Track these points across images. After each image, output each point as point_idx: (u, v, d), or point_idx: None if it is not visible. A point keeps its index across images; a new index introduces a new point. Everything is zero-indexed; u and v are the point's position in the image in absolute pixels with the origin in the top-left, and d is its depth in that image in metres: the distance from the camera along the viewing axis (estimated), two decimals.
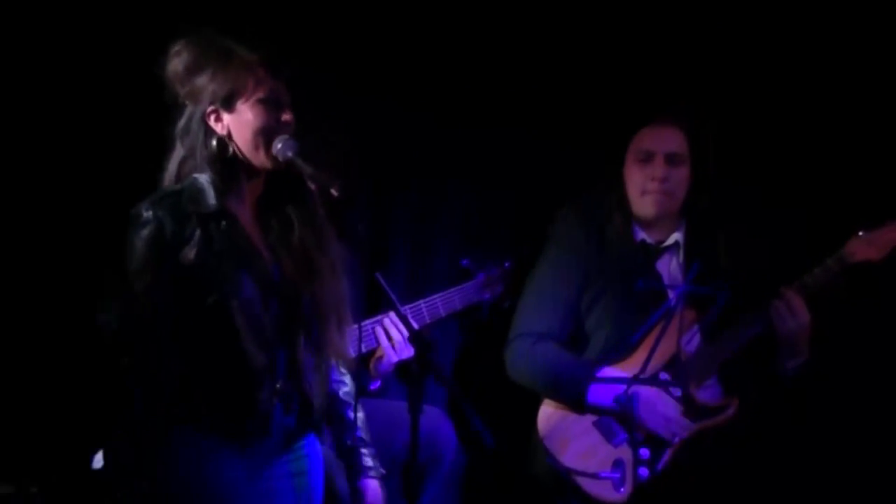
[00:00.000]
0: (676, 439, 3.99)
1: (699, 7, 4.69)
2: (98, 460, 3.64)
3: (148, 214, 3.06)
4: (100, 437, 3.55)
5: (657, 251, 4.19)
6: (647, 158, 4.12)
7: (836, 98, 4.67)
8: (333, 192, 3.08)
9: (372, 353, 4.22)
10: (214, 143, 3.13)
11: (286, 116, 3.14)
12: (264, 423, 3.11)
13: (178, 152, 3.17)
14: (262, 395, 3.10)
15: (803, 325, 4.03)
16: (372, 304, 4.16)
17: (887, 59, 4.63)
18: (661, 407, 3.98)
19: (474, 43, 4.73)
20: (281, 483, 3.20)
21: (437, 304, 4.31)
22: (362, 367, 4.23)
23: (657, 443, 3.99)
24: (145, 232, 3.05)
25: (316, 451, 3.30)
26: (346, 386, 3.53)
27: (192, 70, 3.10)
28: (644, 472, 3.90)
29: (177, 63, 3.11)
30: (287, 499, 3.21)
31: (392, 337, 4.16)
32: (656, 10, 4.70)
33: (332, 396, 3.42)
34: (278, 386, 3.14)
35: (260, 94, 3.12)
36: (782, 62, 4.69)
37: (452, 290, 4.36)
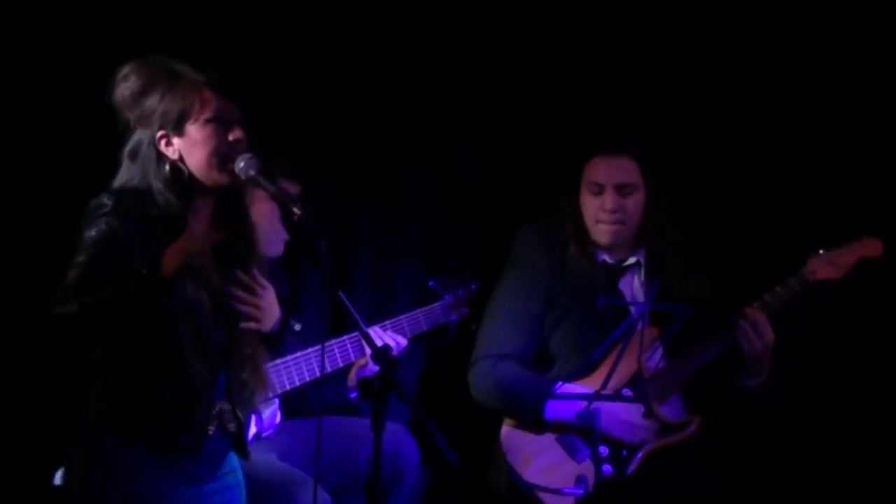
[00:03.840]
0: (643, 442, 4.01)
1: (652, 34, 4.74)
2: (59, 477, 3.65)
3: (109, 202, 3.05)
4: (60, 453, 3.56)
5: (619, 270, 4.23)
6: (598, 191, 4.16)
7: (790, 119, 4.73)
8: (296, 210, 3.10)
9: (351, 365, 4.24)
10: (168, 167, 3.12)
11: (236, 135, 3.14)
12: (197, 440, 3.12)
13: (126, 172, 3.15)
14: (199, 411, 3.11)
15: (768, 344, 4.06)
16: (336, 324, 4.19)
17: (845, 82, 4.68)
18: (623, 414, 4.00)
19: (434, 65, 4.76)
20: (214, 499, 3.21)
21: (403, 325, 4.33)
22: (341, 379, 4.26)
23: (619, 459, 4.02)
24: (102, 219, 3.03)
25: (237, 464, 3.31)
26: None
27: (140, 94, 3.10)
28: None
29: (124, 88, 3.11)
30: None
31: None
32: (612, 38, 4.76)
33: None
34: (218, 409, 3.17)
35: (207, 115, 3.12)
36: (736, 85, 4.74)
37: (418, 311, 4.38)
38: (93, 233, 3.03)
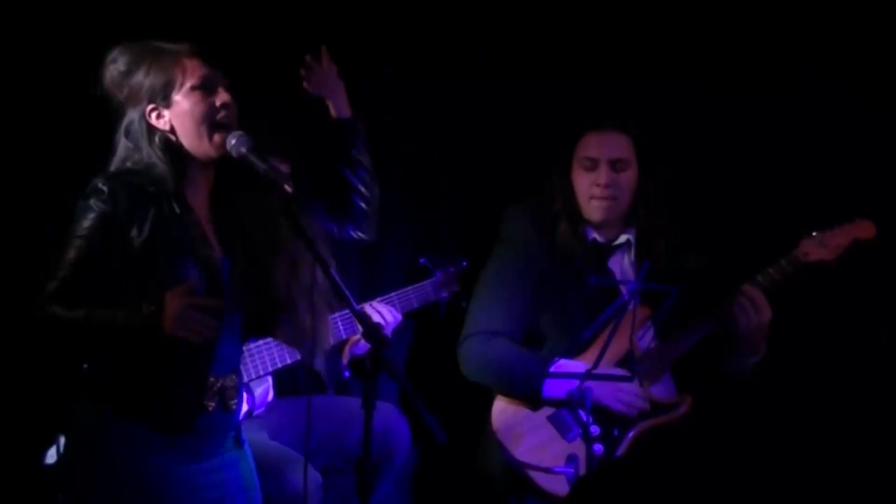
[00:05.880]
0: (639, 415, 4.02)
1: (648, 11, 4.73)
2: (51, 455, 3.65)
3: (104, 188, 3.07)
4: (51, 432, 3.56)
5: (609, 250, 4.23)
6: (591, 166, 4.15)
7: (783, 98, 4.72)
8: (287, 188, 3.11)
9: (344, 343, 4.23)
10: (158, 140, 3.15)
11: (222, 98, 3.16)
12: (191, 417, 3.12)
13: (122, 152, 3.18)
14: (190, 388, 3.12)
15: (764, 322, 4.07)
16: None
17: (836, 66, 4.67)
18: (619, 385, 4.00)
19: (426, 37, 4.75)
20: (216, 476, 3.21)
21: (394, 302, 4.33)
22: (333, 357, 4.25)
23: (610, 438, 4.03)
24: (98, 203, 3.05)
25: (243, 438, 3.32)
26: None
27: (127, 73, 3.15)
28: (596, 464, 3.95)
29: (112, 70, 3.16)
30: (231, 489, 3.22)
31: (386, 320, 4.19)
32: (606, 14, 4.75)
33: None
34: (220, 385, 3.17)
35: (192, 82, 3.15)
36: (727, 66, 4.73)
37: (409, 288, 4.39)
38: (86, 222, 3.06)
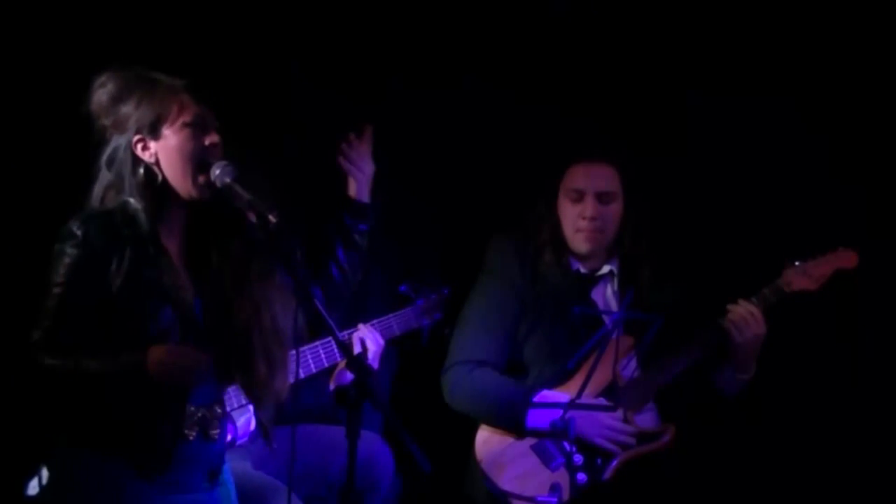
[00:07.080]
0: (623, 447, 4.02)
1: (634, 38, 4.75)
2: (33, 486, 3.63)
3: (78, 232, 3.06)
4: (34, 463, 3.54)
5: (592, 280, 4.23)
6: (578, 197, 4.16)
7: (766, 128, 4.74)
8: (272, 218, 3.10)
9: (333, 368, 4.23)
10: (142, 171, 3.13)
11: (212, 139, 3.16)
12: (168, 448, 3.10)
13: (104, 181, 3.17)
14: (165, 431, 3.10)
15: (759, 336, 4.08)
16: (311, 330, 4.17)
17: (815, 93, 4.70)
18: (602, 418, 4.01)
19: (412, 62, 4.77)
20: None
21: (375, 329, 4.32)
22: (316, 384, 4.24)
23: (594, 467, 4.03)
24: (72, 249, 3.06)
25: (229, 478, 3.31)
26: None
27: (117, 99, 3.13)
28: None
29: (101, 94, 3.14)
30: None
31: (367, 348, 4.18)
32: (594, 39, 4.77)
33: None
34: (200, 414, 3.15)
35: (185, 119, 3.14)
36: (708, 95, 4.76)
37: (391, 316, 4.38)
38: (62, 269, 3.06)
